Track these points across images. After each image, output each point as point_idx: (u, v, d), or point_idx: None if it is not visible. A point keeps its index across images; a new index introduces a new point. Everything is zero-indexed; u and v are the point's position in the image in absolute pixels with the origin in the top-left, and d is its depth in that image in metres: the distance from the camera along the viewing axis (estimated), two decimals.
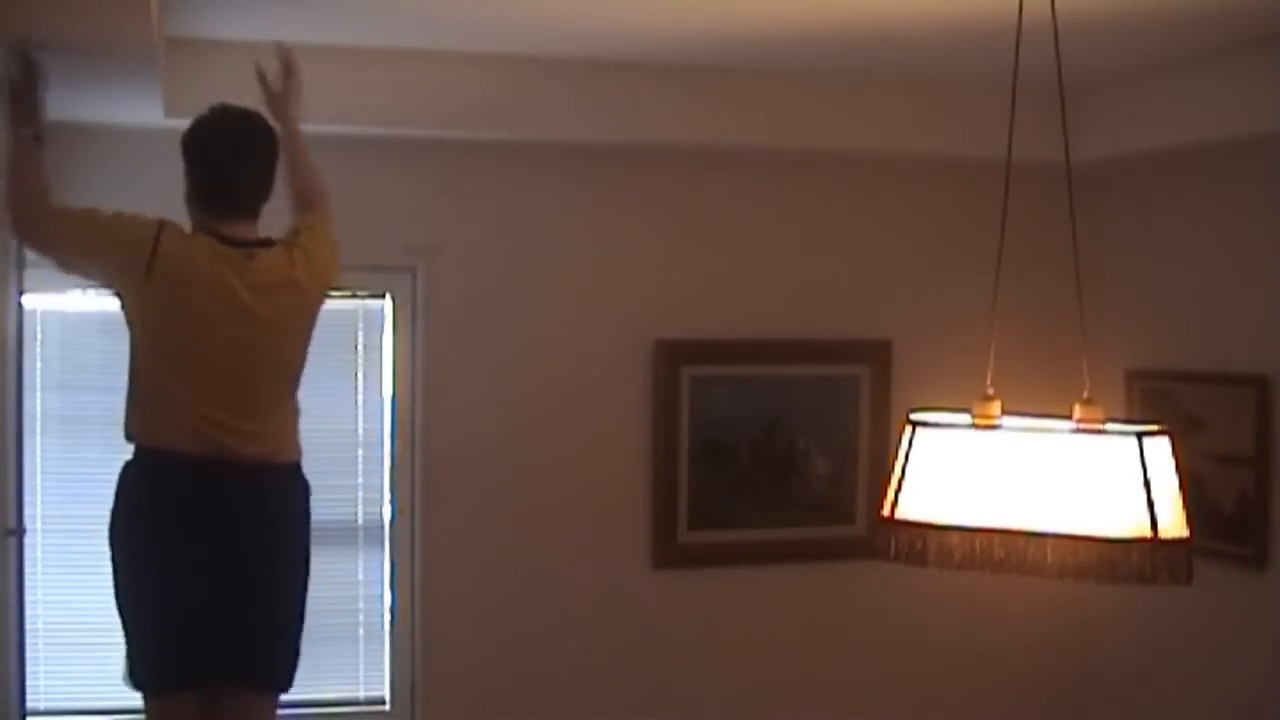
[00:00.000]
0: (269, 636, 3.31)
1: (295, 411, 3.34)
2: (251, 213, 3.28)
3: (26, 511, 3.74)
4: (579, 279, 4.81)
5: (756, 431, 4.97)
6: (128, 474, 3.22)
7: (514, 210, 4.74)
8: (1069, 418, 2.44)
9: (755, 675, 4.98)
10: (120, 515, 3.22)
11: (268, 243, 3.31)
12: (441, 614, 4.70)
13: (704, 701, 4.93)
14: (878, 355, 5.04)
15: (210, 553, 3.14)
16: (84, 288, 4.52)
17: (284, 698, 4.65)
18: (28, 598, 3.75)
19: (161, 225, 3.19)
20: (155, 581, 3.18)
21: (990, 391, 2.56)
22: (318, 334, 4.57)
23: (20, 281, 3.53)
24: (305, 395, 4.68)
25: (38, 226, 3.12)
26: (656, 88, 4.49)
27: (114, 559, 3.24)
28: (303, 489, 3.35)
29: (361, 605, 4.70)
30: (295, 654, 3.38)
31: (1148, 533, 2.33)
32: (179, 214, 4.49)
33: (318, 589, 4.60)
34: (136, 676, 3.25)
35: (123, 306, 3.24)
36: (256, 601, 3.24)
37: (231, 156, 3.24)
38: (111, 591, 3.26)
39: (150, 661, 3.23)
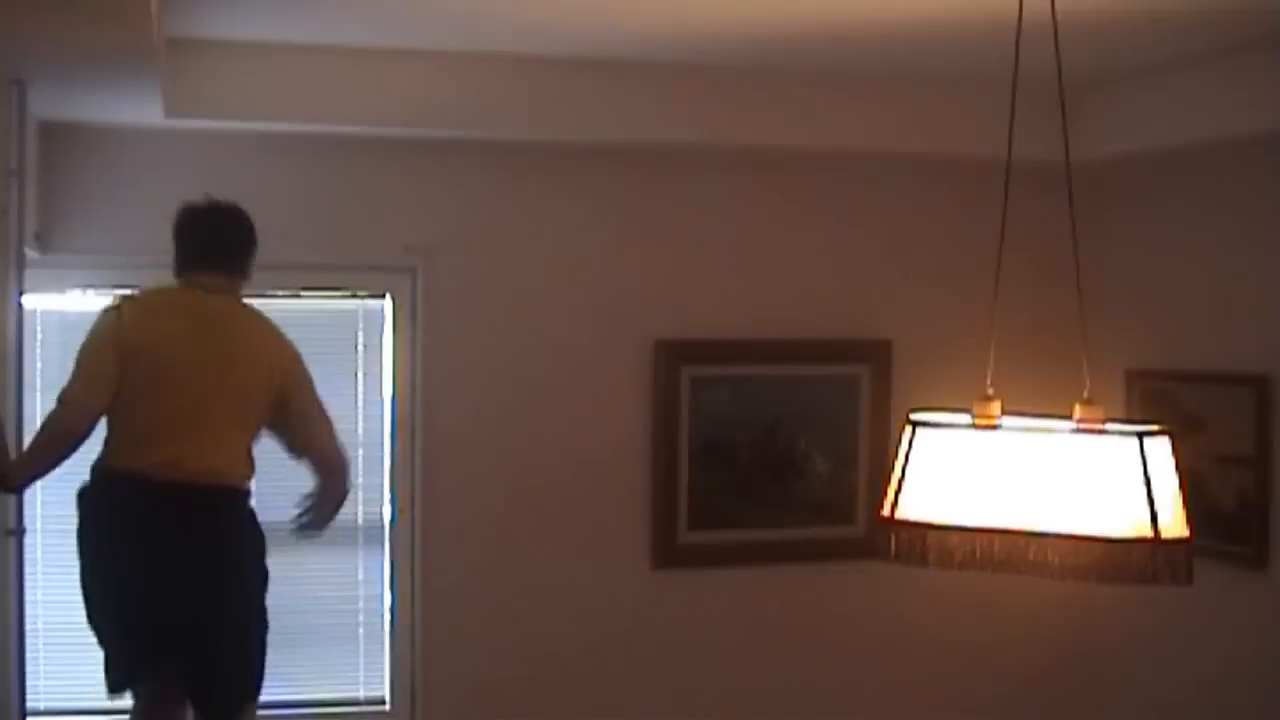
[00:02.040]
0: (221, 647, 3.58)
1: (249, 442, 3.64)
2: (220, 266, 3.67)
3: (26, 511, 3.73)
4: (579, 279, 4.81)
5: (756, 431, 4.97)
6: (83, 496, 3.57)
7: (514, 210, 4.74)
8: (1069, 418, 2.44)
9: (755, 675, 4.98)
10: (81, 531, 3.57)
11: (241, 303, 3.72)
12: (441, 614, 4.70)
13: (704, 701, 4.93)
14: (878, 355, 5.04)
15: (157, 561, 3.45)
16: (84, 288, 4.54)
17: (285, 698, 4.66)
18: (28, 598, 3.74)
19: (116, 319, 3.58)
20: (111, 584, 3.51)
21: (990, 391, 2.55)
22: (318, 334, 4.62)
23: (20, 281, 3.53)
24: None
25: (78, 429, 3.51)
26: (657, 88, 4.49)
27: (80, 573, 3.57)
28: (247, 511, 3.69)
29: (361, 605, 4.71)
30: (251, 661, 3.67)
31: (1148, 533, 2.33)
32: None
33: (318, 589, 4.65)
34: (110, 678, 3.62)
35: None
36: (205, 612, 3.52)
37: (207, 228, 3.70)
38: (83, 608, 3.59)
39: (113, 661, 3.58)
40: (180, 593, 3.47)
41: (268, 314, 3.81)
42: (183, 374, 3.53)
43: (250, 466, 3.67)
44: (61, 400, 3.53)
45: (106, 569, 3.52)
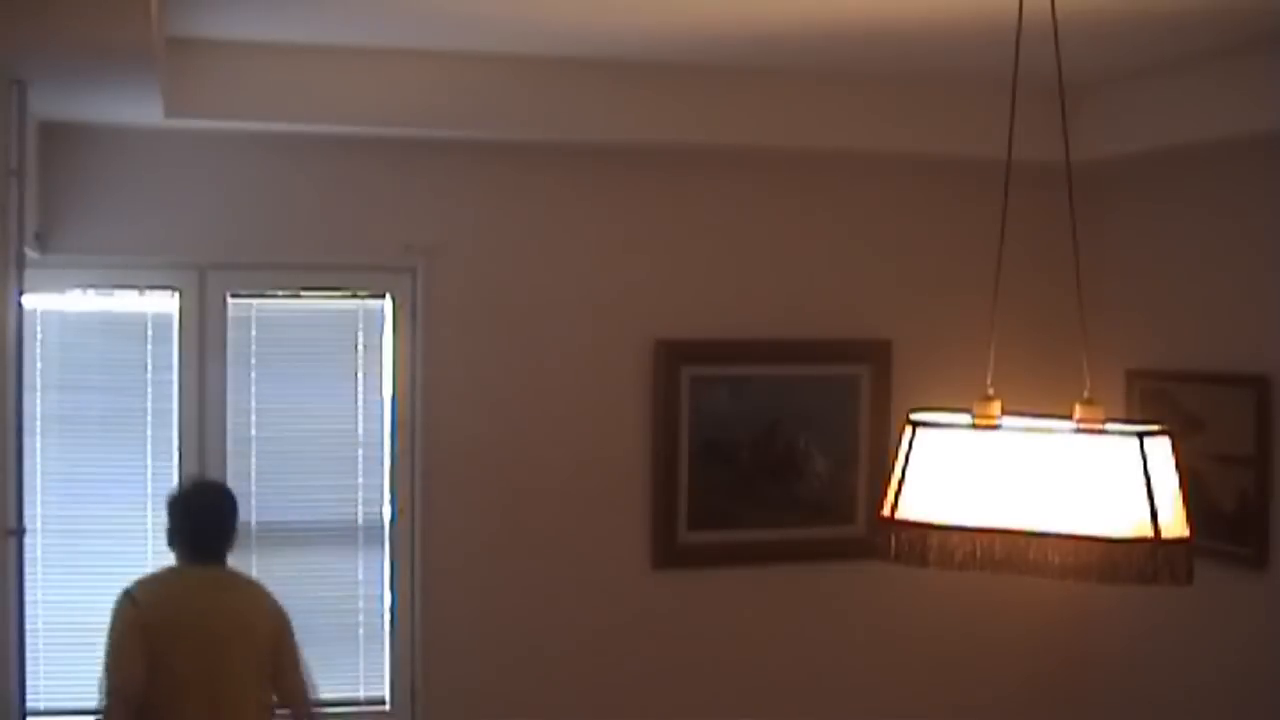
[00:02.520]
0: None
1: (267, 693, 3.95)
2: (217, 553, 3.96)
3: (26, 511, 3.73)
4: (579, 279, 4.81)
5: (756, 431, 4.97)
6: None
7: (514, 210, 4.74)
8: (1069, 418, 2.44)
9: (755, 675, 4.98)
10: None
11: (233, 572, 4.03)
12: (441, 614, 4.70)
13: (704, 701, 4.93)
14: (878, 355, 5.04)
15: None
16: (84, 288, 4.54)
17: None
18: (28, 598, 3.74)
19: (131, 606, 3.85)
20: None
21: (990, 391, 2.55)
22: (318, 334, 4.62)
23: (20, 281, 3.53)
24: (305, 396, 4.71)
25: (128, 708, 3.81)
26: (656, 88, 4.49)
27: None
28: None
29: (361, 605, 4.70)
30: None
31: (1148, 533, 2.33)
32: (176, 213, 4.53)
33: (319, 589, 4.64)
34: None
35: None
36: None
37: (203, 520, 3.97)
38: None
39: None
40: None
41: (252, 576, 4.13)
42: (198, 646, 3.83)
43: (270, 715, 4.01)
44: (107, 693, 3.83)
45: None
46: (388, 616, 4.74)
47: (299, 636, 4.00)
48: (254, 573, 4.59)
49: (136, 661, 3.79)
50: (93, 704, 4.41)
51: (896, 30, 3.87)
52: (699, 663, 4.94)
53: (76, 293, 4.52)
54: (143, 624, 3.82)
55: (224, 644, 3.88)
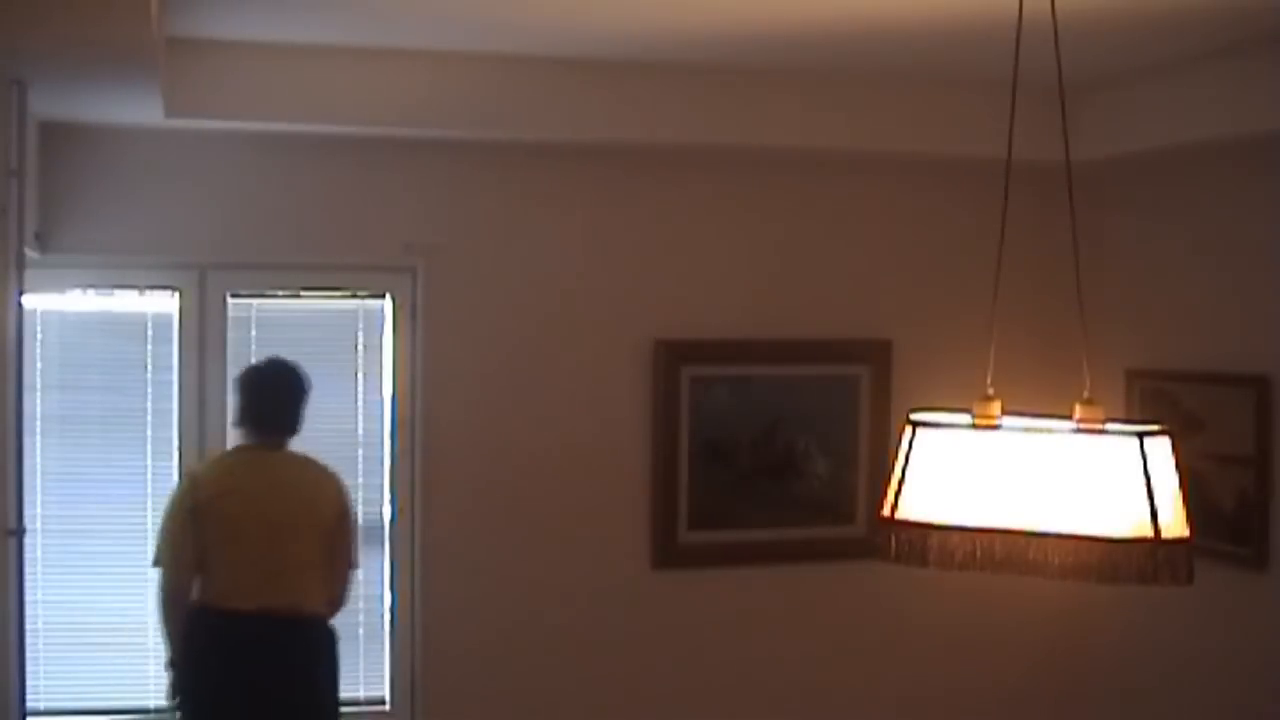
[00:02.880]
0: None
1: (325, 574, 4.09)
2: (283, 430, 4.12)
3: (26, 511, 3.73)
4: (579, 279, 4.81)
5: (756, 431, 4.97)
6: (190, 624, 4.01)
7: (514, 210, 4.74)
8: (1069, 418, 2.44)
9: (755, 675, 4.98)
10: (186, 657, 4.04)
11: (294, 452, 4.16)
12: (441, 614, 4.70)
13: (704, 701, 4.93)
14: (878, 355, 5.04)
15: (249, 682, 3.94)
16: (84, 288, 4.54)
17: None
18: (28, 598, 3.74)
19: (189, 486, 4.08)
20: (205, 697, 4.01)
21: (990, 391, 2.55)
22: (318, 334, 4.63)
23: (20, 281, 3.53)
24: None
25: (177, 588, 4.03)
26: (656, 88, 4.49)
27: (175, 680, 4.08)
28: (328, 637, 4.13)
29: (361, 605, 4.69)
30: None
31: (1149, 533, 2.32)
32: (176, 213, 4.53)
33: None
34: None
35: None
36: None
37: (271, 396, 4.14)
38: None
39: None
40: (264, 703, 3.97)
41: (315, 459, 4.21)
42: (256, 525, 3.99)
43: (326, 594, 4.13)
44: (155, 564, 4.07)
45: (203, 685, 4.01)
46: (388, 616, 4.74)
47: (355, 526, 4.16)
48: None
49: (179, 545, 3.97)
50: (93, 704, 4.44)
51: (896, 30, 3.87)
52: (699, 663, 4.94)
53: (76, 293, 4.52)
54: (192, 504, 3.98)
55: (280, 521, 4.00)
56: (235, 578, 3.96)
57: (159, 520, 4.12)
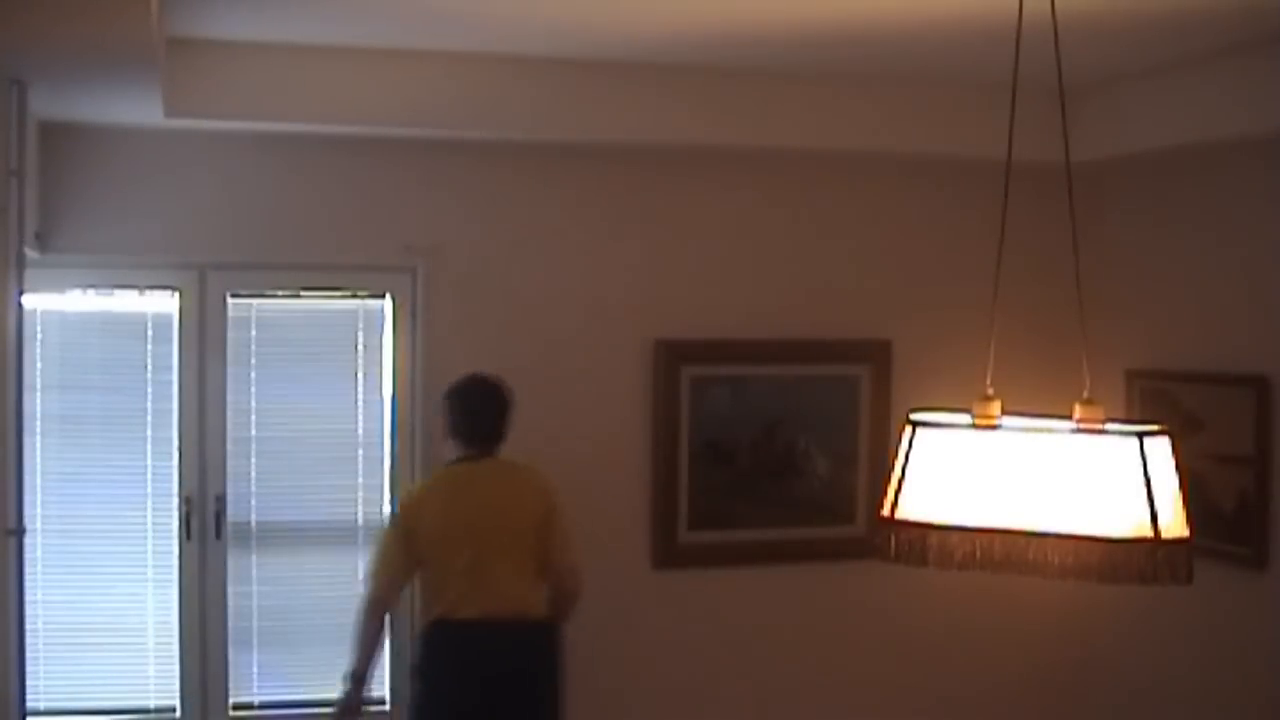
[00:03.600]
0: None
1: (539, 576, 4.24)
2: (491, 443, 4.27)
3: (26, 511, 3.73)
4: (579, 279, 4.81)
5: (756, 431, 4.97)
6: (425, 638, 4.25)
7: (514, 210, 4.74)
8: (1069, 418, 2.44)
9: (755, 675, 4.98)
10: (419, 665, 4.27)
11: (499, 459, 4.31)
12: None
13: (704, 701, 4.93)
14: (878, 355, 5.04)
15: (479, 691, 4.12)
16: (84, 288, 4.54)
17: (285, 698, 4.66)
18: (28, 598, 3.74)
19: (401, 507, 4.33)
20: (442, 706, 4.20)
21: (990, 391, 2.55)
22: (318, 334, 4.61)
23: (20, 281, 3.53)
24: (305, 396, 4.71)
25: (380, 599, 4.24)
26: (657, 88, 4.49)
27: (416, 697, 4.30)
28: (550, 640, 4.26)
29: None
30: None
31: (1148, 533, 2.32)
32: (176, 213, 4.52)
33: (318, 589, 4.65)
34: None
35: None
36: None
37: (482, 414, 4.29)
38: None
39: None
40: (496, 708, 4.15)
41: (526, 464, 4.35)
42: (462, 534, 4.14)
43: (545, 594, 4.26)
44: (367, 576, 4.26)
45: (439, 695, 4.20)
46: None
47: (567, 521, 4.27)
48: (253, 572, 4.62)
49: (387, 558, 4.20)
50: (93, 704, 4.44)
51: (897, 30, 3.87)
52: (699, 662, 4.94)
53: (76, 293, 4.52)
54: (403, 525, 4.20)
55: (491, 530, 4.16)
56: (458, 590, 4.12)
57: (373, 548, 4.34)
